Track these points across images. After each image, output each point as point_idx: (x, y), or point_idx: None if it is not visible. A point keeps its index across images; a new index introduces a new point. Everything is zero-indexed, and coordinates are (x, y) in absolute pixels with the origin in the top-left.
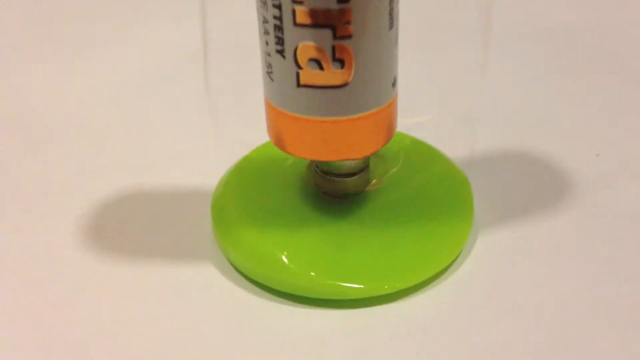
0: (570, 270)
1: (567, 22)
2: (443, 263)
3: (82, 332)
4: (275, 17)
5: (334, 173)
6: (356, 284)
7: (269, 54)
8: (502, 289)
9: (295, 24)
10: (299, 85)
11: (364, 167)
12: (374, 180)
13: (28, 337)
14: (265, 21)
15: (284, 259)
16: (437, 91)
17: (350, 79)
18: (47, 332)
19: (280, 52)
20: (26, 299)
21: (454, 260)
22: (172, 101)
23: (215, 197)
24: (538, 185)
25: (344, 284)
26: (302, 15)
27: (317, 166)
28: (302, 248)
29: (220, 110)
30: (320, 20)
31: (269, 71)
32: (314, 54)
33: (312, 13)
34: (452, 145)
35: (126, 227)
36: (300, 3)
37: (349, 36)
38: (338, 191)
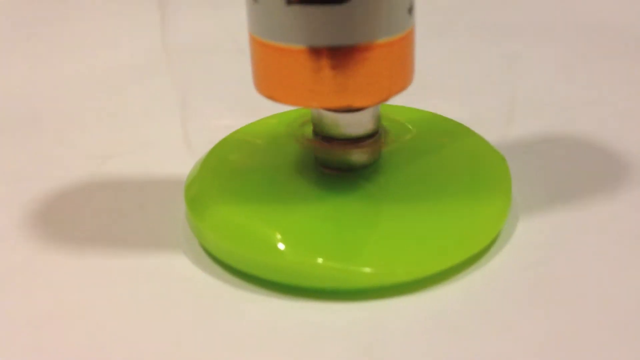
0: (626, 261)
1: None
2: (474, 247)
3: (38, 323)
4: None
5: (336, 138)
6: (366, 267)
7: None
8: (545, 281)
9: None
10: (289, 2)
11: (372, 133)
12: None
13: None
14: None
15: (277, 239)
16: (470, 79)
17: None
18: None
19: None
20: None
21: (489, 247)
22: (140, 98)
23: (190, 178)
24: (583, 170)
25: (351, 268)
26: None
27: (314, 131)
28: (298, 227)
29: (189, 104)
30: None
31: None
32: None
33: None
34: (487, 130)
35: (85, 215)
36: None
37: None
38: (341, 163)
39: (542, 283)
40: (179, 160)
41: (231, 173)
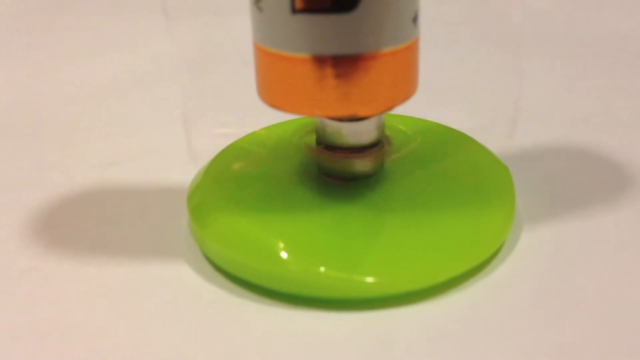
0: (630, 272)
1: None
2: (478, 257)
3: (39, 332)
4: None
5: (340, 147)
6: (369, 276)
7: None
8: (550, 291)
9: None
10: (294, 11)
11: (376, 142)
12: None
13: None
14: None
15: (280, 248)
16: (474, 89)
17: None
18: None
19: None
20: None
21: (492, 257)
22: (142, 106)
23: (193, 186)
24: (586, 180)
25: (354, 277)
26: None
27: (318, 140)
28: (301, 236)
29: (191, 112)
30: None
31: None
32: None
33: None
34: (490, 139)
35: (87, 223)
36: None
37: None
38: (345, 172)
39: (546, 293)
40: (182, 168)
41: (234, 182)
